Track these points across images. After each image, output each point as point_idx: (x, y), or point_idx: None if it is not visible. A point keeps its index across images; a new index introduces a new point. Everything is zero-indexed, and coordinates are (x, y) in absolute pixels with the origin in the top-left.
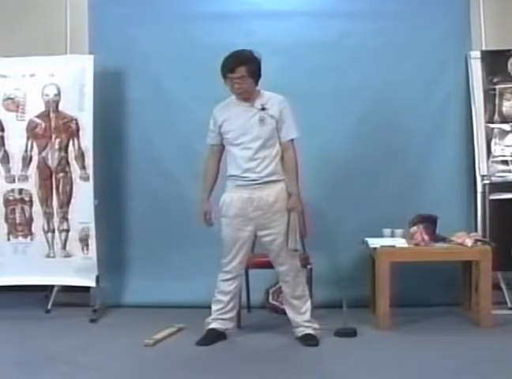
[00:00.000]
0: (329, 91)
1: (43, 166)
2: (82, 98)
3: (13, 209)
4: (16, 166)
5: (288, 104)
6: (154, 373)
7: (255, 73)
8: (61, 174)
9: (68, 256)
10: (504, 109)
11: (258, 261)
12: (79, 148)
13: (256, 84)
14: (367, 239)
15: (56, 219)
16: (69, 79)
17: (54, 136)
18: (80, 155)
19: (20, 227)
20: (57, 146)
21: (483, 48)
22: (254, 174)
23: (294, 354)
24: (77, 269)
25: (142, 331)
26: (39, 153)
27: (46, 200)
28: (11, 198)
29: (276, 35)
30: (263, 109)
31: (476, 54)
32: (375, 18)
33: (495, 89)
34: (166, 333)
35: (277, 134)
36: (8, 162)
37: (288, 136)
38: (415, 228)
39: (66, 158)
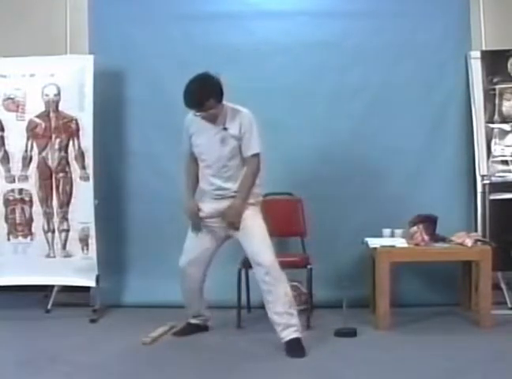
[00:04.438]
0: (329, 91)
1: (43, 166)
2: (82, 98)
3: (13, 209)
4: (16, 166)
5: (251, 119)
6: (154, 372)
7: (221, 96)
8: (61, 174)
9: (68, 256)
10: (504, 109)
11: None
12: (79, 148)
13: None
14: (367, 239)
15: (56, 219)
16: (69, 79)
17: (54, 136)
18: (80, 155)
19: (20, 227)
20: (57, 146)
21: (483, 48)
22: (222, 191)
23: None
24: (77, 269)
25: (142, 331)
26: (39, 153)
27: (46, 200)
28: (11, 198)
29: (276, 35)
30: (225, 129)
31: (476, 54)
32: (375, 18)
33: (495, 89)
34: (161, 331)
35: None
36: (8, 162)
37: (247, 152)
38: (415, 228)
39: (66, 158)
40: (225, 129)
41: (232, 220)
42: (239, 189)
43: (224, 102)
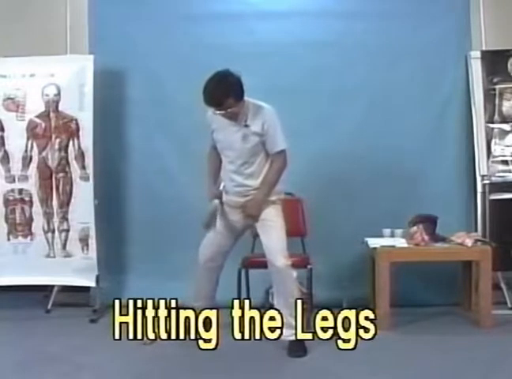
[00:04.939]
0: (329, 92)
1: (43, 166)
2: (82, 98)
3: (13, 209)
4: (16, 166)
5: (273, 115)
6: (154, 373)
7: (241, 95)
8: (61, 174)
9: (68, 256)
10: (504, 109)
11: (258, 261)
12: (79, 148)
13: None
14: (367, 239)
15: (56, 219)
16: (69, 79)
17: (54, 136)
18: (80, 155)
19: (20, 227)
20: (57, 146)
21: (483, 48)
22: (243, 187)
23: None
24: (77, 269)
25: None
26: (39, 153)
27: (46, 200)
28: (11, 198)
29: (276, 35)
30: (246, 126)
31: (476, 54)
32: (375, 18)
33: (495, 89)
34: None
35: (264, 147)
36: (8, 162)
37: (273, 149)
38: (415, 228)
39: (66, 158)
40: (247, 126)
41: (252, 212)
42: (261, 184)
43: (246, 98)
